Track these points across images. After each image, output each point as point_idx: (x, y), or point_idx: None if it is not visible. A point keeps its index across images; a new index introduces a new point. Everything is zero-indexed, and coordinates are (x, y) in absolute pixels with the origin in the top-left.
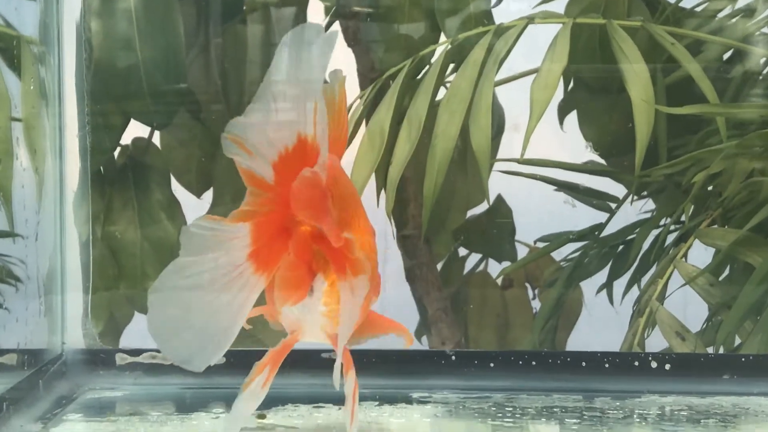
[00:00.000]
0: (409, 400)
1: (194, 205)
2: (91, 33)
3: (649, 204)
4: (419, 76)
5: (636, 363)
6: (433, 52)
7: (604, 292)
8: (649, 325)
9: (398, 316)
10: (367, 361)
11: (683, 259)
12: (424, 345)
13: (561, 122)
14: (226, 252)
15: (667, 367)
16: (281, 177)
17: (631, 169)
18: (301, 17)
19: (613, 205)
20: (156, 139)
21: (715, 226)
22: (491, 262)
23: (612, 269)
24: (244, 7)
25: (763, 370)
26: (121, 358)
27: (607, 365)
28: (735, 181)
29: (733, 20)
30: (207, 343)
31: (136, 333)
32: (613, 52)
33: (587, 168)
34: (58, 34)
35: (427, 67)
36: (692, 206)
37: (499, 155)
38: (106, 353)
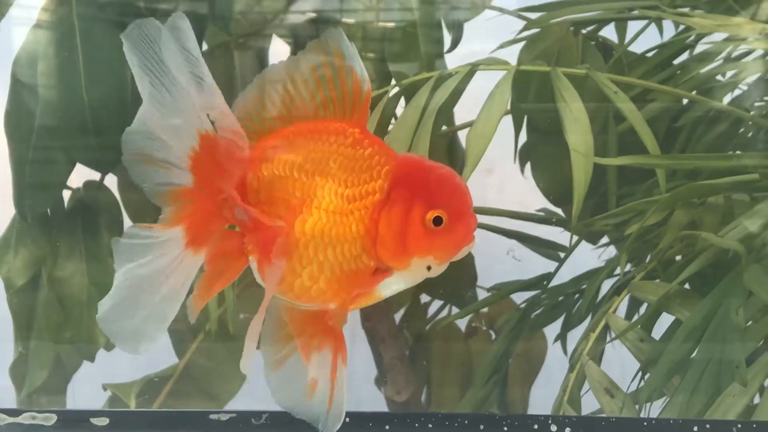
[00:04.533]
0: None
1: None
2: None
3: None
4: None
5: (535, 426)
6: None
7: None
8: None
9: (354, 365)
10: (257, 422)
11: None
12: (381, 395)
13: (522, 169)
14: (165, 253)
15: (567, 430)
16: (199, 177)
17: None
18: (263, 56)
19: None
20: (113, 182)
21: (658, 280)
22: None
23: (566, 320)
24: (204, 47)
25: None
26: None
27: (505, 428)
28: (670, 233)
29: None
30: (151, 325)
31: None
32: (552, 97)
33: (532, 217)
34: None
35: None
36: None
37: None
38: None
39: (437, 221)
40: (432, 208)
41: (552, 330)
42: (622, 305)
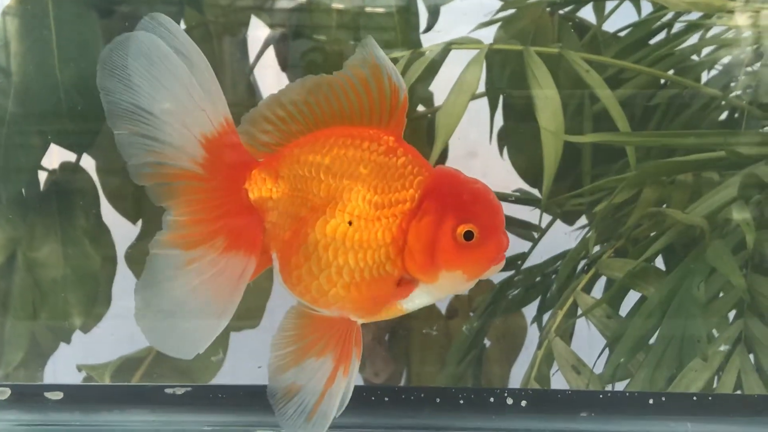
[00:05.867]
0: None
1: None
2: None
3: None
4: None
5: (491, 399)
6: None
7: None
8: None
9: None
10: (213, 397)
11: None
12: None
13: (501, 151)
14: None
15: (523, 404)
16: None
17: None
18: (241, 37)
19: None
20: (90, 164)
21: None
22: None
23: (542, 300)
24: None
25: (620, 408)
26: None
27: (462, 401)
28: (637, 211)
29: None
30: (198, 331)
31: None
32: (527, 79)
33: (505, 197)
34: None
35: None
36: (595, 237)
37: None
38: None
39: (468, 236)
40: (463, 222)
41: (533, 310)
42: (600, 283)
